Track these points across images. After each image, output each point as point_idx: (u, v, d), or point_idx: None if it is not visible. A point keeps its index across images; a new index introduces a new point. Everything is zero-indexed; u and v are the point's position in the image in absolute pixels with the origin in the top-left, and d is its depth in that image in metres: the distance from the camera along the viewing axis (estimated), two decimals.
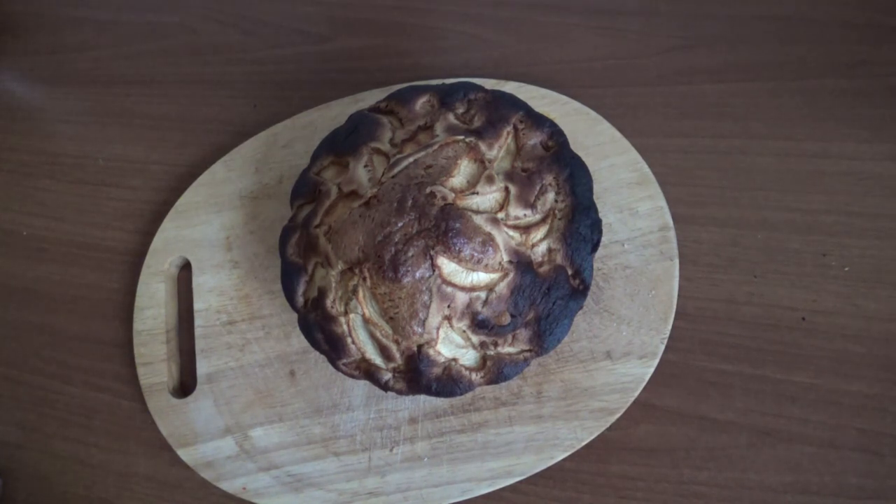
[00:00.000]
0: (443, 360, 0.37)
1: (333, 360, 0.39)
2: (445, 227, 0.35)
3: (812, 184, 0.44)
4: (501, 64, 0.52)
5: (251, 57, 0.57)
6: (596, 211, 0.38)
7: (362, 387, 0.44)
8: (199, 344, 0.46)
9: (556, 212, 0.38)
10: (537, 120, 0.40)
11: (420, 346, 0.36)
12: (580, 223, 0.37)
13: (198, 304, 0.47)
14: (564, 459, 0.40)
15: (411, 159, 0.37)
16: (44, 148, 0.57)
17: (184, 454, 0.45)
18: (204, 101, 0.56)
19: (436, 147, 0.37)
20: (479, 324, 0.36)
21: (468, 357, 0.38)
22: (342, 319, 0.38)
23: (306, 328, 0.40)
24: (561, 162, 0.38)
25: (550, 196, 0.38)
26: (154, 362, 0.47)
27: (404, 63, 0.53)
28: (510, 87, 0.47)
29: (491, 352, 0.37)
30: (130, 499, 0.46)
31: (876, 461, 0.39)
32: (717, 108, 0.47)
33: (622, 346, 0.41)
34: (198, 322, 0.47)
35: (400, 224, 0.35)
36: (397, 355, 0.37)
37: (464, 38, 0.53)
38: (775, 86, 0.47)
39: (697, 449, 0.40)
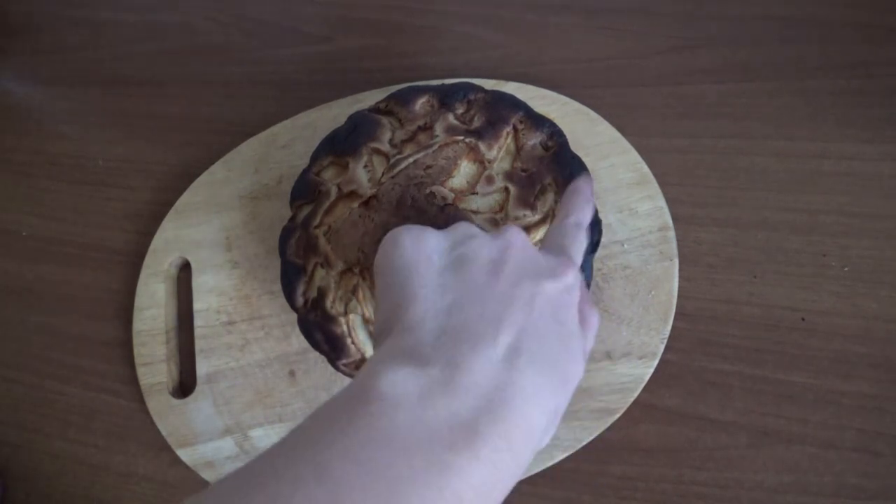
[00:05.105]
0: None
1: (333, 361, 0.39)
2: (445, 227, 0.35)
3: (812, 184, 0.44)
4: (501, 64, 0.51)
5: (251, 57, 0.57)
6: (596, 211, 0.38)
7: None
8: (199, 344, 0.46)
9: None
10: (537, 120, 0.40)
11: None
12: None
13: (197, 305, 0.47)
14: (564, 459, 0.40)
15: (411, 160, 0.37)
16: (44, 148, 0.57)
17: (183, 454, 0.45)
18: (204, 101, 0.56)
19: (435, 147, 0.37)
20: None
21: None
22: (342, 319, 0.38)
23: (306, 328, 0.40)
24: (561, 162, 0.38)
25: (550, 196, 0.38)
26: (154, 362, 0.47)
27: (404, 63, 0.53)
28: (510, 88, 0.47)
29: None
30: (130, 499, 0.46)
31: (876, 461, 0.39)
32: (717, 108, 0.47)
33: (622, 346, 0.41)
34: (197, 322, 0.47)
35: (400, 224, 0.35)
36: None
37: (464, 38, 0.53)
38: (775, 86, 0.47)
39: (697, 449, 0.40)
